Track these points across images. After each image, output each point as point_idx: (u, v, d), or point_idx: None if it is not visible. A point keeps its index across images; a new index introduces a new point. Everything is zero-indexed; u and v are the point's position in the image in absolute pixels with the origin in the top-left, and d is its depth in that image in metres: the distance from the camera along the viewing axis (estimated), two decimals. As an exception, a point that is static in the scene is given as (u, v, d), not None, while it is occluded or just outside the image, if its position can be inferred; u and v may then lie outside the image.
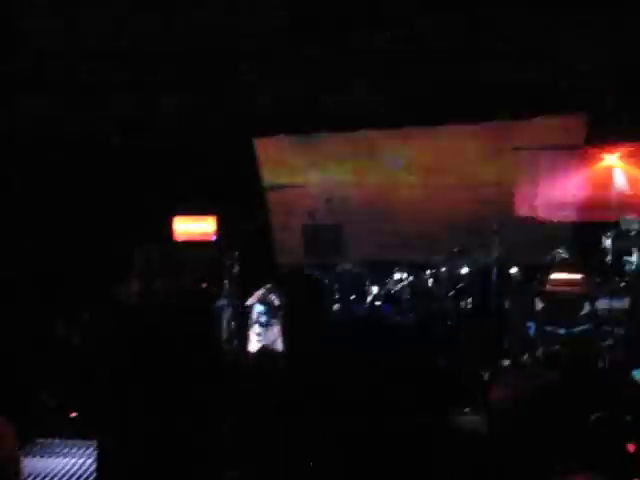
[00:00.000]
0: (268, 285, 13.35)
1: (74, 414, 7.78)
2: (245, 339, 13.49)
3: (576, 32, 9.52)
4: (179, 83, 11.43)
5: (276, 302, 13.19)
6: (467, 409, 7.68)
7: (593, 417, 4.73)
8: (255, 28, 9.76)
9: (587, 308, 11.77)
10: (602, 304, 11.62)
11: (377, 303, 13.41)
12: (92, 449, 5.75)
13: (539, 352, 11.15)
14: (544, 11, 9.01)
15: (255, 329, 13.35)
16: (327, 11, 9.16)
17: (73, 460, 6.16)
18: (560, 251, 12.53)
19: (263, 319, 13.27)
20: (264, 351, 12.42)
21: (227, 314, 14.25)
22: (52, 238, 12.89)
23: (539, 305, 11.98)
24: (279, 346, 12.97)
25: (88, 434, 6.33)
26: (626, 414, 4.98)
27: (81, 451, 6.25)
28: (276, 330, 13.27)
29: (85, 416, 7.31)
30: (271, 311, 13.27)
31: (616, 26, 9.42)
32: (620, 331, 11.39)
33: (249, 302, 13.37)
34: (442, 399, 5.67)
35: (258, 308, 13.35)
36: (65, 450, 6.37)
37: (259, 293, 13.37)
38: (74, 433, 6.79)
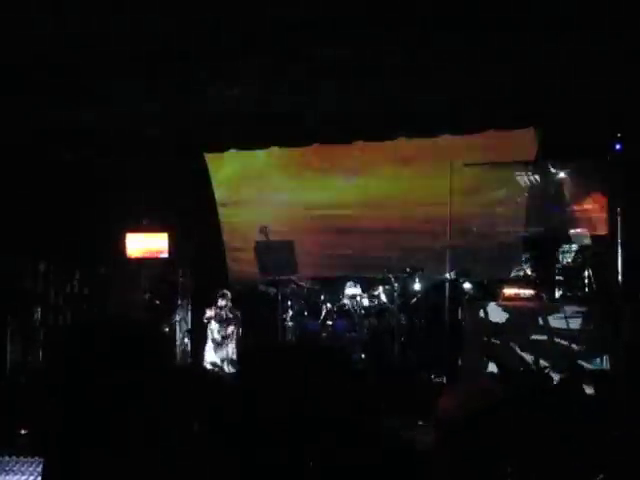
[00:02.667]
0: (222, 302, 13.28)
1: (23, 431, 7.64)
2: (199, 356, 13.41)
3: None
4: (131, 97, 11.30)
5: (231, 319, 13.12)
6: (420, 422, 7.66)
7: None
8: (208, 42, 9.69)
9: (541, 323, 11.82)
10: (557, 323, 11.67)
11: (330, 321, 13.35)
12: (40, 466, 5.63)
13: (492, 367, 11.16)
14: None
15: (210, 345, 13.27)
16: (277, 25, 9.11)
17: (23, 478, 6.03)
18: (522, 266, 12.61)
19: (218, 336, 13.19)
20: (213, 369, 12.35)
21: (181, 331, 14.15)
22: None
23: (493, 320, 12.02)
24: (230, 366, 12.91)
25: (37, 451, 6.20)
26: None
27: (31, 468, 6.12)
28: (230, 348, 13.19)
29: (34, 433, 7.17)
30: (225, 328, 13.20)
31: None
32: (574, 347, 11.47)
33: (205, 318, 13.29)
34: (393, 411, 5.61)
35: (213, 325, 13.27)
36: (14, 467, 6.24)
37: (213, 310, 13.28)
38: (22, 450, 6.65)
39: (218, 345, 13.18)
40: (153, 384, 2.02)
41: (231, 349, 13.18)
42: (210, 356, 13.16)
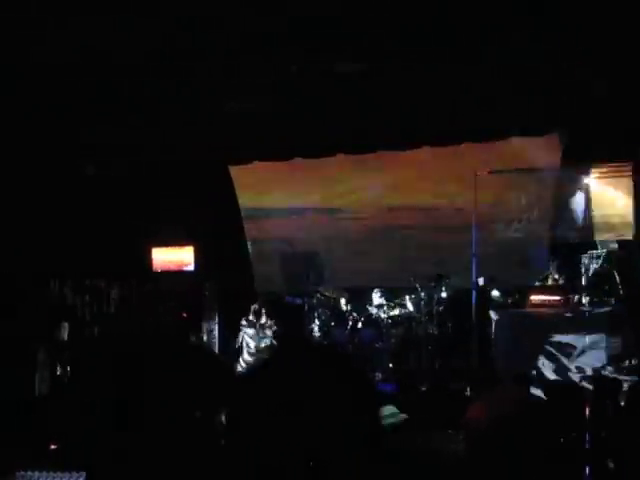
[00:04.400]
0: (259, 315, 13.28)
1: (54, 446, 7.66)
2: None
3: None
4: (155, 112, 11.38)
5: (267, 330, 13.08)
6: (450, 431, 7.63)
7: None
8: (231, 59, 9.77)
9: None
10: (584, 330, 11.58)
11: (357, 329, 13.35)
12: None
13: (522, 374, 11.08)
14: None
15: (244, 357, 13.25)
16: (298, 41, 9.16)
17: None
18: (550, 272, 12.55)
19: (252, 349, 13.17)
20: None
21: (209, 343, 14.18)
22: (29, 272, 12.75)
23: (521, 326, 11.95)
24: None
25: (67, 466, 6.22)
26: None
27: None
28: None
29: (64, 448, 7.20)
30: (260, 339, 13.19)
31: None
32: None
33: (241, 329, 13.27)
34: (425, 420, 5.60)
35: (247, 338, 13.25)
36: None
37: (249, 323, 13.27)
38: (52, 465, 6.67)
39: (251, 357, 13.16)
40: (181, 396, 2.04)
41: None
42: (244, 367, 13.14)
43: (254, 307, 13.46)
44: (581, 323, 11.64)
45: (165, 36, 8.98)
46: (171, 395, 1.87)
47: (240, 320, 13.45)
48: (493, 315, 12.05)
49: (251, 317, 13.41)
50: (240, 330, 13.41)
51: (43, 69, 9.65)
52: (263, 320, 13.32)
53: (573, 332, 11.59)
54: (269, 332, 13.15)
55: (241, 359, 13.34)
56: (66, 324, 13.29)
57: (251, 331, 13.32)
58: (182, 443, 1.90)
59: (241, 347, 13.41)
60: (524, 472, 3.90)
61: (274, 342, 13.14)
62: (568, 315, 11.85)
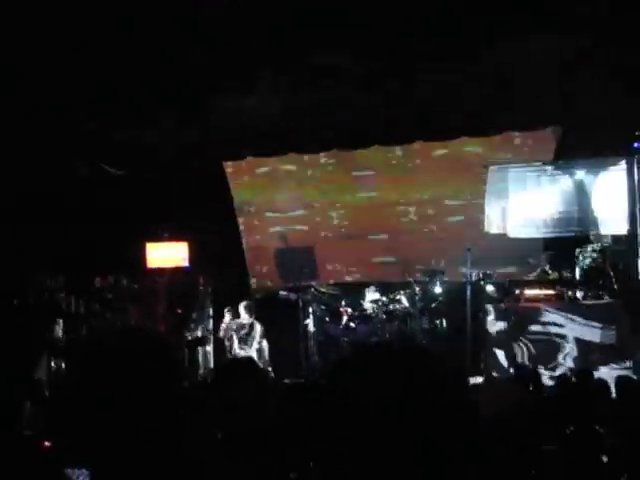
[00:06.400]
0: (243, 310, 13.17)
1: (47, 444, 7.63)
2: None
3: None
4: (147, 110, 11.37)
5: (257, 327, 12.99)
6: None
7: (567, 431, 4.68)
8: (223, 59, 9.78)
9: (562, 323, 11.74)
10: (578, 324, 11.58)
11: (352, 324, 13.34)
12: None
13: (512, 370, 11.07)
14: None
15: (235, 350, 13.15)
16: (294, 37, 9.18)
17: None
18: (543, 266, 12.55)
19: (243, 345, 13.09)
20: None
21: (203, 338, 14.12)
22: (20, 269, 12.73)
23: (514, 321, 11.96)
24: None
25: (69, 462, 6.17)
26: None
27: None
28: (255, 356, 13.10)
29: (58, 445, 7.16)
30: (250, 336, 13.10)
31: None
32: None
33: (222, 331, 13.16)
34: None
35: (234, 339, 13.17)
36: None
37: (230, 323, 13.16)
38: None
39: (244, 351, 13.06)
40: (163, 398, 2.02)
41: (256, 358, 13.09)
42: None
43: (244, 304, 13.36)
44: (575, 318, 11.66)
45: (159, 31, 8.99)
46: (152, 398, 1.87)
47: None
48: (488, 309, 12.06)
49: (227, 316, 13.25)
50: (222, 330, 13.24)
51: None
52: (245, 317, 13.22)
53: (567, 326, 11.61)
54: (258, 328, 13.04)
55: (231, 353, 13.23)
56: (60, 320, 13.28)
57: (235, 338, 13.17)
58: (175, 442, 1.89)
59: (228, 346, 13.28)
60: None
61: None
62: (562, 309, 11.86)
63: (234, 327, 12.92)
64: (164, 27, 8.91)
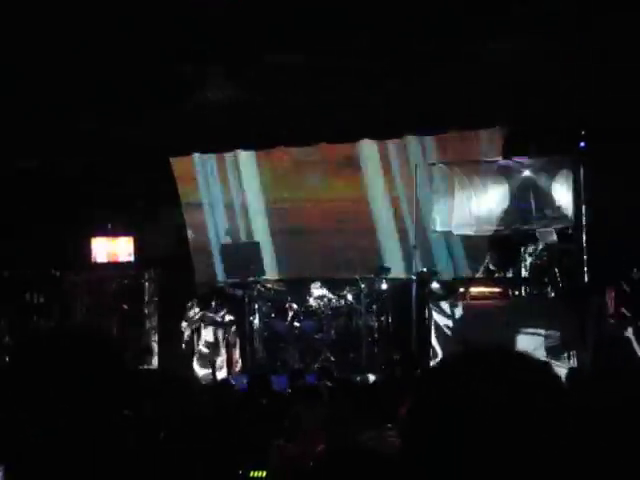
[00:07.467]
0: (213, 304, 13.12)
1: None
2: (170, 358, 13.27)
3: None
4: (96, 103, 11.26)
5: (222, 322, 12.94)
6: (389, 425, 7.59)
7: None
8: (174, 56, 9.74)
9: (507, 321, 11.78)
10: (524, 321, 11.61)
11: (297, 322, 13.30)
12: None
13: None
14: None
15: (201, 351, 13.07)
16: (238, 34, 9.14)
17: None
18: (488, 264, 12.60)
19: (209, 340, 13.01)
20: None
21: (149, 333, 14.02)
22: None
23: (459, 318, 11.99)
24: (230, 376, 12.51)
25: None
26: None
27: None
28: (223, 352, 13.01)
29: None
30: (219, 332, 13.04)
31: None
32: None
33: (186, 321, 13.11)
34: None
35: (202, 330, 13.09)
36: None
37: (198, 314, 13.10)
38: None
39: (208, 350, 12.99)
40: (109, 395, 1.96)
41: (224, 356, 13.01)
42: (197, 365, 12.94)
43: (199, 297, 13.30)
44: (519, 314, 11.73)
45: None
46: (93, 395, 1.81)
47: (184, 312, 13.26)
48: (433, 307, 12.09)
49: (197, 309, 13.21)
50: (187, 322, 13.18)
51: None
52: (214, 310, 13.16)
53: (512, 323, 11.65)
54: (226, 319, 13.01)
55: (197, 352, 13.15)
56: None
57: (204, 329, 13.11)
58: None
59: (192, 340, 13.21)
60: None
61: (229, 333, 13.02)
62: (507, 307, 11.93)
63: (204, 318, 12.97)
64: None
